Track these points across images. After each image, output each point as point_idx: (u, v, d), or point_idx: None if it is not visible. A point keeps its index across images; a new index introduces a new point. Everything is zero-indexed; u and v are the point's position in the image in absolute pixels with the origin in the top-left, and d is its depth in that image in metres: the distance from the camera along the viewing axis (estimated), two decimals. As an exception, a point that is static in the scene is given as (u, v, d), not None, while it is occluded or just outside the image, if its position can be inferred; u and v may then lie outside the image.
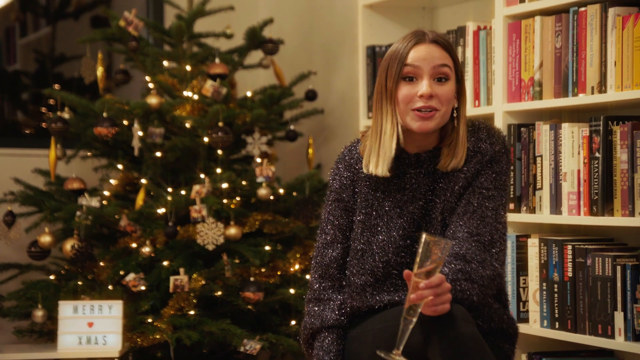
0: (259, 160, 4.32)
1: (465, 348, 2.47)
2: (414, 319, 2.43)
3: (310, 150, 4.64)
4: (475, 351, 2.48)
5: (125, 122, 4.30)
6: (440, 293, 2.44)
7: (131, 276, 4.04)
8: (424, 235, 2.41)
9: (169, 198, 4.14)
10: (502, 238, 2.68)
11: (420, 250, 2.41)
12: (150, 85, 4.37)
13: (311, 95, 4.65)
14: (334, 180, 2.77)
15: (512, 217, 3.48)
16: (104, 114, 4.23)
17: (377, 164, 2.67)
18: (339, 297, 2.77)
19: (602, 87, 3.25)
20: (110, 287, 4.09)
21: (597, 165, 3.24)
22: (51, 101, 4.65)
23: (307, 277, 4.17)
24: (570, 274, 3.34)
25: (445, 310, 2.46)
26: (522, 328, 3.02)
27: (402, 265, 2.66)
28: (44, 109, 5.01)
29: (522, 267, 3.51)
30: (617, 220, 3.19)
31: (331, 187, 2.78)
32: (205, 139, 4.24)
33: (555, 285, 3.39)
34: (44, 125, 4.44)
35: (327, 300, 2.77)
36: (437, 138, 2.72)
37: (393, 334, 2.48)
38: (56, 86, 4.46)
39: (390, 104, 2.66)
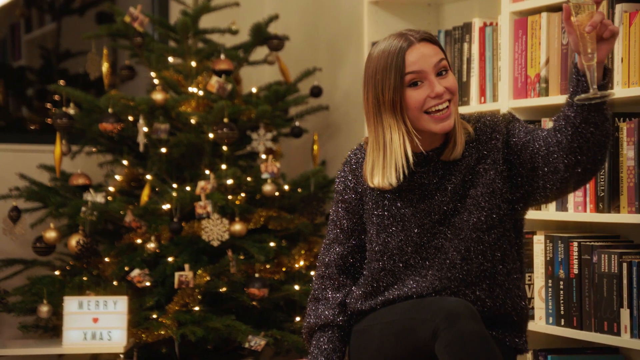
0: (264, 156, 4.31)
1: (471, 344, 2.47)
2: (595, 55, 2.43)
3: (315, 147, 4.63)
4: (481, 347, 2.48)
5: (130, 118, 4.30)
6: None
7: (136, 272, 4.04)
8: None
9: (174, 194, 4.14)
10: None
11: None
12: (156, 81, 4.36)
13: (316, 92, 4.64)
14: (339, 182, 2.79)
15: (517, 214, 3.47)
16: (109, 110, 4.23)
17: (384, 176, 2.65)
18: (338, 295, 2.78)
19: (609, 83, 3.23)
20: (115, 282, 4.10)
21: (603, 162, 3.24)
22: (56, 97, 4.65)
23: (312, 273, 4.18)
24: (576, 271, 3.33)
25: (616, 29, 2.43)
26: (528, 325, 3.01)
27: (420, 263, 2.66)
28: (49, 105, 5.01)
29: (527, 264, 3.50)
30: (623, 217, 3.19)
31: (336, 189, 2.80)
32: (211, 135, 4.24)
33: (561, 282, 3.38)
34: (49, 121, 4.44)
35: (325, 299, 2.78)
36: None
37: (400, 329, 2.48)
38: (61, 82, 4.45)
39: (393, 116, 2.63)
